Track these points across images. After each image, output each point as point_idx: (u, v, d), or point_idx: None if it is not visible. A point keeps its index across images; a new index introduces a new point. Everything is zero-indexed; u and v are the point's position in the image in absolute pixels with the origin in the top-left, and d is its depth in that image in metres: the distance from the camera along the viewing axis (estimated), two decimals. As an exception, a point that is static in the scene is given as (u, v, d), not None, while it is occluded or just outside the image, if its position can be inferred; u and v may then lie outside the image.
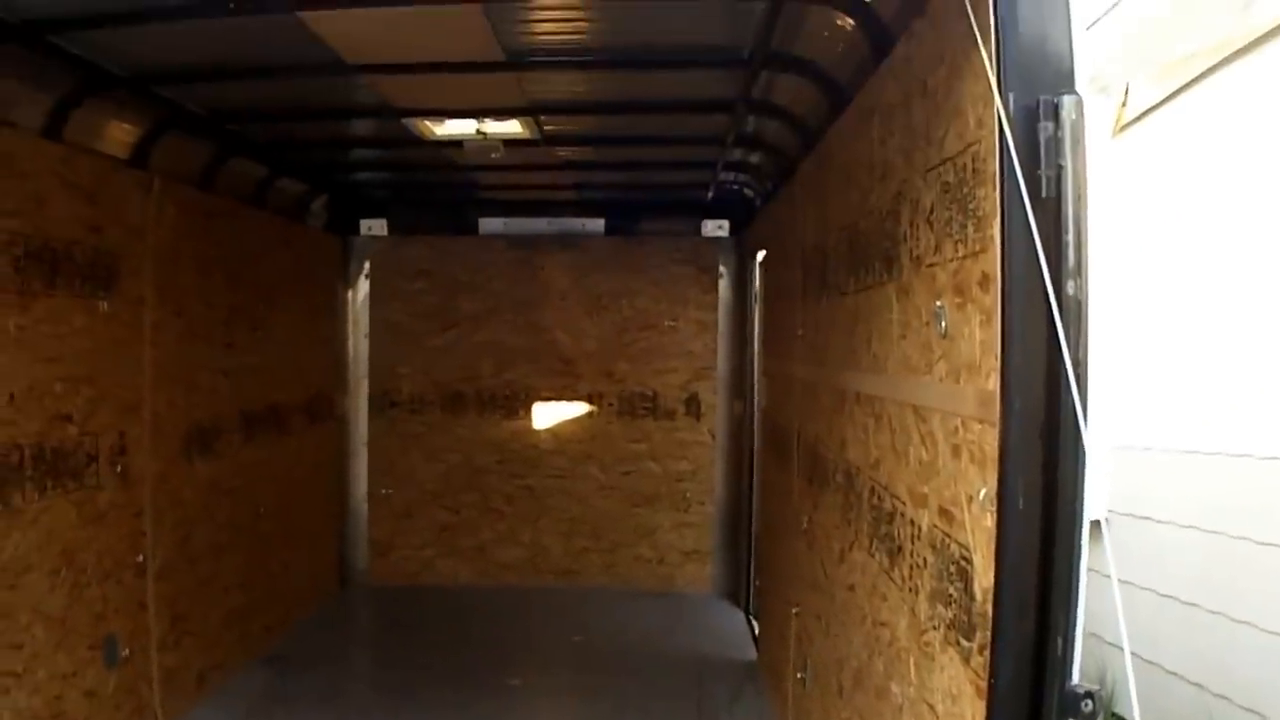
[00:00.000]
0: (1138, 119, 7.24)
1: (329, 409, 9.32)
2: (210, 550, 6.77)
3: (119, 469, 5.65)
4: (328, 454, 9.27)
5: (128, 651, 5.68)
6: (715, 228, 9.83)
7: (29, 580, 4.80)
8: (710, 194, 9.18)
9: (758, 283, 8.69)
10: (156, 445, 6.04)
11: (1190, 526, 6.57)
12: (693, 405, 9.86)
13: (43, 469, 4.96)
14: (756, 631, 8.11)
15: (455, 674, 7.43)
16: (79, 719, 5.17)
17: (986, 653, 2.60)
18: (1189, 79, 6.68)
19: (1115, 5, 7.35)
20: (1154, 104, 7.07)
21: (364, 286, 10.02)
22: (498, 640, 8.38)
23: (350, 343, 9.96)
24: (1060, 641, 2.46)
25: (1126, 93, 7.27)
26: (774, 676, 6.62)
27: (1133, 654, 7.85)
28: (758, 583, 8.41)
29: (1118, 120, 7.32)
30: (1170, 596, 6.74)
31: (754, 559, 8.79)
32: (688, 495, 9.83)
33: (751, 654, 7.91)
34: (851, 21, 4.39)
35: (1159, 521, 6.91)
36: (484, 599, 9.39)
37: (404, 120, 6.62)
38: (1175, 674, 6.94)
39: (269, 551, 7.79)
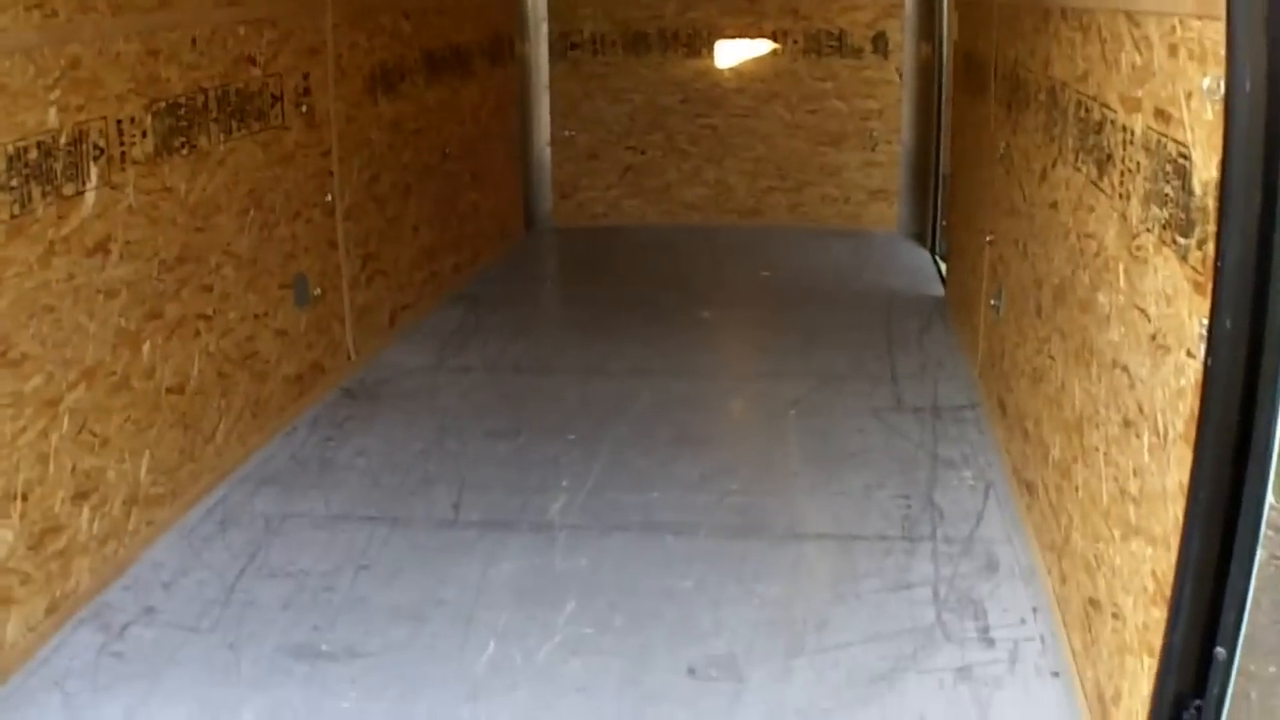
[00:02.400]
0: None
1: (509, 51, 9.13)
2: (397, 191, 6.80)
3: (304, 109, 5.63)
4: (509, 97, 9.15)
5: (319, 290, 5.78)
6: None
7: (218, 222, 4.84)
8: None
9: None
10: (340, 85, 6.01)
11: None
12: (880, 43, 9.49)
13: (228, 110, 4.93)
14: (944, 270, 8.02)
15: (645, 307, 7.47)
16: (271, 359, 5.29)
17: (1208, 245, 2.47)
18: None
19: None
20: None
21: (537, -74, 9.76)
22: (685, 277, 8.38)
23: (527, -15, 9.75)
24: (1287, 225, 2.30)
25: None
26: (963, 309, 6.54)
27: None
28: (945, 221, 8.27)
29: None
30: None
31: (942, 198, 8.62)
32: (874, 134, 9.58)
33: (938, 290, 7.82)
34: None
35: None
36: (669, 238, 9.37)
37: None
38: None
39: (456, 193, 7.82)
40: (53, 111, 3.84)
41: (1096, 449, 3.42)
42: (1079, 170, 3.80)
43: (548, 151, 9.91)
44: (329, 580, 4.17)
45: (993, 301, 5.43)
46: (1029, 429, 4.47)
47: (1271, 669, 5.30)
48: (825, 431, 5.43)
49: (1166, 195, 2.81)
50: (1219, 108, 2.41)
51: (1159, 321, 2.84)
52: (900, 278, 8.29)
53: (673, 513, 4.65)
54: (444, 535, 4.50)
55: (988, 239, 5.63)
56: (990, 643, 3.76)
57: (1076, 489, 3.64)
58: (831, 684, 3.56)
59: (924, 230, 9.31)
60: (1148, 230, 2.97)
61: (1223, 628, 2.41)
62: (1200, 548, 2.43)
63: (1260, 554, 2.42)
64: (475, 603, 4.02)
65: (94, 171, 4.06)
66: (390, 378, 6.15)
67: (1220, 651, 2.42)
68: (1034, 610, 3.93)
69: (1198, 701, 2.48)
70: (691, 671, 3.62)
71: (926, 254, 8.94)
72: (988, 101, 5.79)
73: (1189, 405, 2.53)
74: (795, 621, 3.88)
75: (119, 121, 4.21)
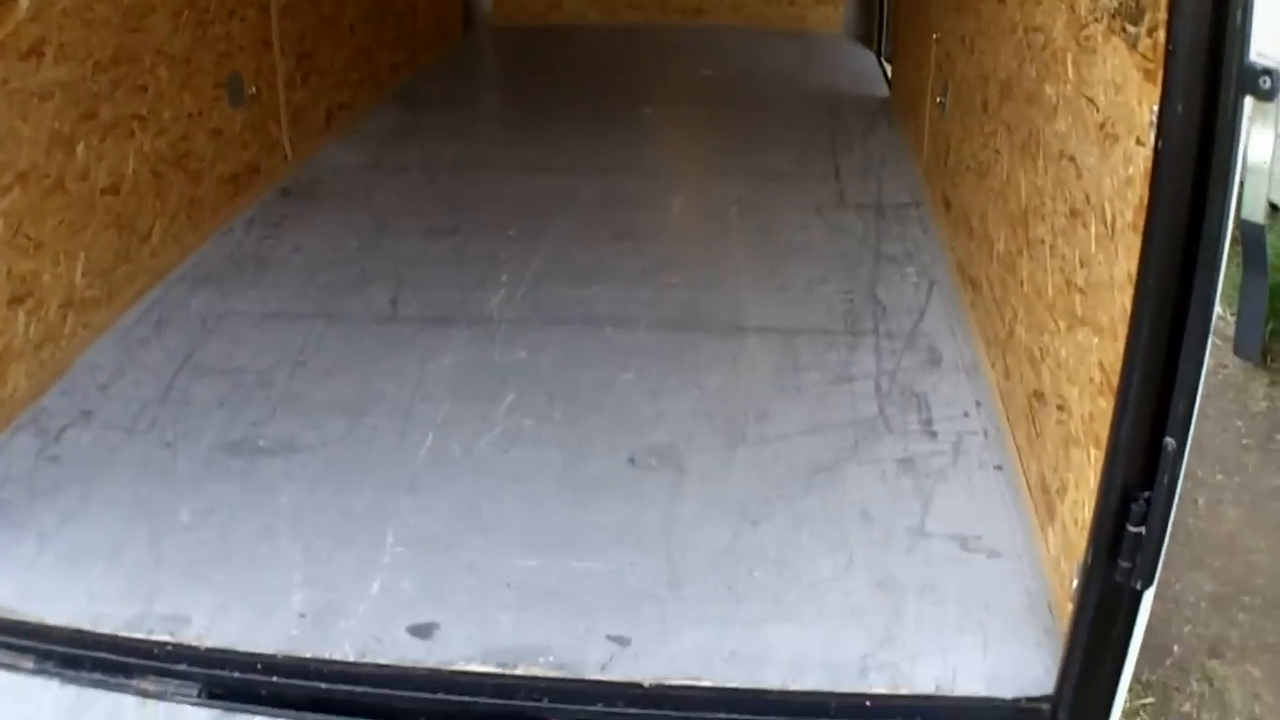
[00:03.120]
0: None
1: None
2: (333, -11, 6.58)
3: None
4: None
5: (254, 89, 5.59)
6: None
7: (152, 22, 4.64)
8: None
9: None
10: None
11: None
12: None
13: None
14: (889, 72, 7.88)
15: (586, 106, 7.33)
16: (206, 158, 5.13)
17: (1158, 32, 2.37)
18: None
19: None
20: None
21: None
22: (627, 75, 8.21)
23: None
24: (1239, 13, 2.20)
25: None
26: (909, 108, 6.44)
27: None
28: (891, 22, 8.11)
29: None
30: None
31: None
32: None
33: (884, 92, 7.70)
34: None
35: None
36: (610, 37, 9.14)
37: None
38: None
39: (393, -8, 7.58)
40: None
41: (1042, 241, 3.36)
42: (1027, -38, 3.70)
43: (487, -49, 9.60)
44: (266, 377, 4.09)
45: (939, 99, 5.33)
46: (974, 224, 4.41)
47: (1219, 476, 5.39)
48: (768, 228, 5.35)
49: (1117, -18, 2.72)
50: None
51: (1108, 110, 2.76)
52: (845, 79, 8.14)
53: (613, 306, 4.58)
54: (382, 330, 4.42)
55: (934, 37, 5.51)
56: (933, 435, 3.73)
57: (1021, 282, 3.60)
58: (772, 474, 3.53)
59: (869, 32, 9.09)
60: (1096, 20, 2.88)
61: (1172, 417, 2.35)
62: (1149, 336, 2.36)
63: (1209, 361, 2.38)
64: (414, 396, 3.95)
65: None
66: (327, 177, 5.99)
67: (1170, 442, 2.37)
68: (977, 404, 3.91)
69: (1146, 493, 2.42)
70: (631, 461, 3.59)
71: (872, 56, 8.76)
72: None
73: (1138, 193, 2.47)
74: (736, 413, 3.84)
75: None
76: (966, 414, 3.85)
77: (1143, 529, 2.44)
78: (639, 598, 3.02)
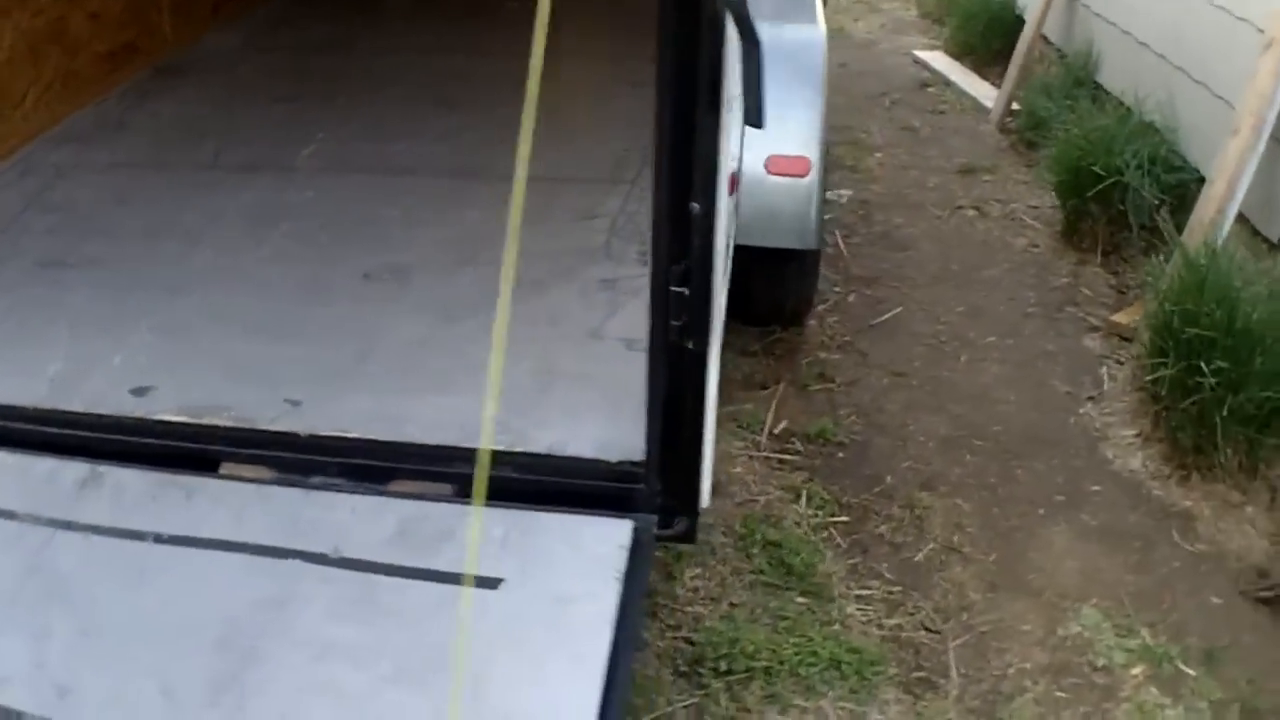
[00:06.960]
0: None
1: None
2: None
3: None
4: None
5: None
6: None
7: None
8: None
9: None
10: None
11: None
12: None
13: None
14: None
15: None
16: (83, 39, 5.52)
17: None
18: None
19: None
20: None
21: None
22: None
23: None
24: None
25: None
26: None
27: (1112, 24, 8.01)
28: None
29: None
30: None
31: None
32: None
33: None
34: None
35: None
36: None
37: None
38: (1145, 44, 7.11)
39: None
40: None
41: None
42: None
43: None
44: (91, 211, 4.58)
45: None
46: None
47: (991, 338, 5.64)
48: (581, 96, 5.70)
49: None
50: None
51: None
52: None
53: (409, 159, 4.98)
54: (200, 176, 4.86)
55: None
56: (645, 263, 4.14)
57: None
58: (487, 288, 3.83)
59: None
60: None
61: (695, 185, 2.73)
62: (671, 117, 2.75)
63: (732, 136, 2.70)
64: (207, 226, 4.42)
65: None
66: (201, 57, 6.38)
67: (694, 206, 2.73)
68: (696, 240, 4.32)
69: (685, 261, 2.79)
70: (366, 276, 4.05)
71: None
72: None
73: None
74: (477, 240, 4.23)
75: None
76: (682, 247, 4.27)
77: (685, 289, 2.81)
78: (325, 374, 3.49)
